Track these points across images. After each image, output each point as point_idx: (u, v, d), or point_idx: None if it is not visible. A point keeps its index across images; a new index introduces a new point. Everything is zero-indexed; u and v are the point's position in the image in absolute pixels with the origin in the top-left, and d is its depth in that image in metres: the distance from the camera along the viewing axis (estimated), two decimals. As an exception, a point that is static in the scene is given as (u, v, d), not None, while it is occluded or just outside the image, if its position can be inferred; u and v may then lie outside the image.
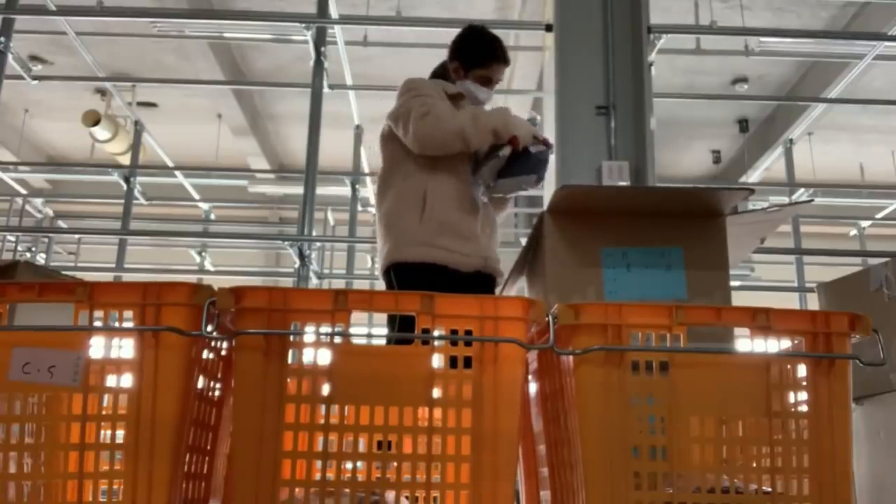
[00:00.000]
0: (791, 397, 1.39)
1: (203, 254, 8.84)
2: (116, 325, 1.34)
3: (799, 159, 7.43)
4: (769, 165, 7.67)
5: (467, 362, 1.34)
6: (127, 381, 1.32)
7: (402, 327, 1.98)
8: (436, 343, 1.34)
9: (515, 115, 2.49)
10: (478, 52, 2.63)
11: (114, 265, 6.80)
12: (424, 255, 2.34)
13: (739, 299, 2.02)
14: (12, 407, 1.32)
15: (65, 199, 9.48)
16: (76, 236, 9.11)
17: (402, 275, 2.36)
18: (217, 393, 1.50)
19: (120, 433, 1.32)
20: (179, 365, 1.32)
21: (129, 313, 1.34)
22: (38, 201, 8.74)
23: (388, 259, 2.40)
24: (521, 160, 2.42)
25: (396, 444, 1.33)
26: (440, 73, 2.72)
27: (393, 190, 2.47)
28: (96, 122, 7.18)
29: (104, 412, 1.32)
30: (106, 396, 1.33)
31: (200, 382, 1.40)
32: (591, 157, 3.73)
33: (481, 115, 2.41)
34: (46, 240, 8.88)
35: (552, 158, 3.78)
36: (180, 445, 1.32)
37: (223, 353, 1.50)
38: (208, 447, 1.48)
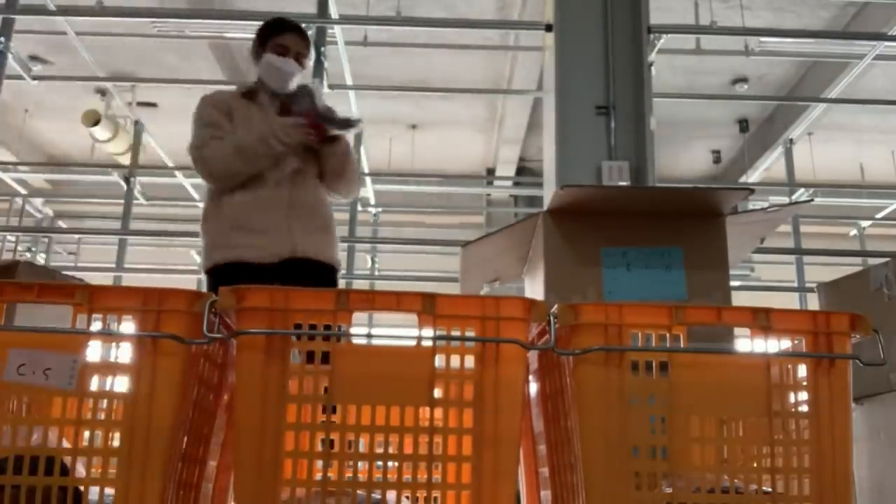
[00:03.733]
0: (791, 397, 1.39)
1: (203, 254, 8.82)
2: (115, 329, 1.33)
3: (799, 159, 7.43)
4: (769, 165, 7.67)
5: (469, 362, 1.34)
6: (123, 386, 1.31)
7: None
8: (437, 343, 1.34)
9: (274, 123, 2.56)
10: (268, 28, 2.73)
11: (114, 265, 6.80)
12: (222, 257, 2.51)
13: (739, 299, 2.03)
14: (5, 408, 1.31)
15: (65, 199, 9.47)
16: (76, 236, 9.11)
17: (212, 278, 2.54)
18: (210, 401, 1.50)
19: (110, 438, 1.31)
20: (177, 372, 1.31)
21: (128, 317, 1.33)
22: (38, 201, 8.74)
23: (203, 268, 2.61)
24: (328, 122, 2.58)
25: (398, 444, 1.33)
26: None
27: (204, 203, 2.68)
28: (96, 122, 7.18)
29: (99, 416, 1.31)
30: (102, 401, 1.32)
31: (195, 391, 1.40)
32: (591, 157, 3.74)
33: (243, 144, 2.52)
34: (46, 240, 8.88)
35: (552, 157, 3.78)
36: (174, 454, 1.31)
37: (219, 360, 1.50)
38: (199, 456, 1.48)
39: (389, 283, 8.00)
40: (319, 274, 2.56)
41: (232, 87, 2.75)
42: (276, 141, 2.52)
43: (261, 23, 2.76)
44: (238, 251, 2.48)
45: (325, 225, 2.64)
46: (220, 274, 2.50)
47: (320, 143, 2.60)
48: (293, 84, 2.67)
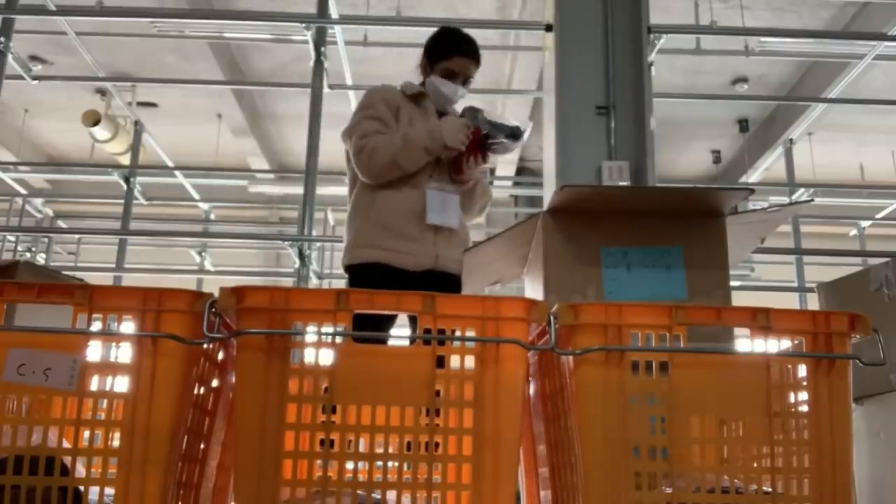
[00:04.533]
0: (791, 397, 1.39)
1: (203, 254, 8.84)
2: (115, 329, 1.33)
3: (799, 159, 7.43)
4: (769, 165, 7.67)
5: (469, 362, 1.35)
6: (123, 386, 1.31)
7: (372, 326, 2.00)
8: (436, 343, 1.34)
9: (444, 120, 2.55)
10: (440, 46, 2.69)
11: (114, 265, 6.80)
12: (370, 256, 2.49)
13: (739, 299, 2.03)
14: (5, 408, 1.31)
15: (65, 199, 9.47)
16: (76, 236, 9.11)
17: (353, 276, 2.53)
18: (210, 401, 1.50)
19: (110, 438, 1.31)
20: (177, 372, 1.31)
21: (128, 316, 1.33)
22: (38, 201, 8.73)
23: (344, 262, 2.58)
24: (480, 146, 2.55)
25: (398, 444, 1.33)
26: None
27: (352, 197, 2.64)
28: (96, 122, 7.18)
29: (99, 416, 1.31)
30: (102, 401, 1.32)
31: (195, 390, 1.40)
32: (591, 157, 3.74)
33: (411, 137, 2.50)
34: (46, 240, 8.87)
35: (553, 157, 3.77)
36: (174, 454, 1.31)
37: (219, 359, 1.50)
38: (199, 456, 1.48)
39: (389, 283, 7.98)
40: (453, 286, 2.55)
41: (396, 85, 2.71)
42: (440, 137, 2.48)
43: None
44: (387, 254, 2.48)
45: (463, 241, 2.63)
46: (363, 272, 2.49)
47: (461, 172, 2.57)
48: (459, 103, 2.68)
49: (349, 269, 2.55)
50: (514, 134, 2.54)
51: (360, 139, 2.53)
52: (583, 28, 3.91)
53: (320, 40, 4.99)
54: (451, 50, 2.66)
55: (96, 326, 1.36)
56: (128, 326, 1.33)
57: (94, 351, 1.32)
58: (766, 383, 1.36)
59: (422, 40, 2.76)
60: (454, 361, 1.36)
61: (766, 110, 7.93)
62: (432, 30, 2.78)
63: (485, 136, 2.54)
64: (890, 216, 8.04)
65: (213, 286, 1.44)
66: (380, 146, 2.49)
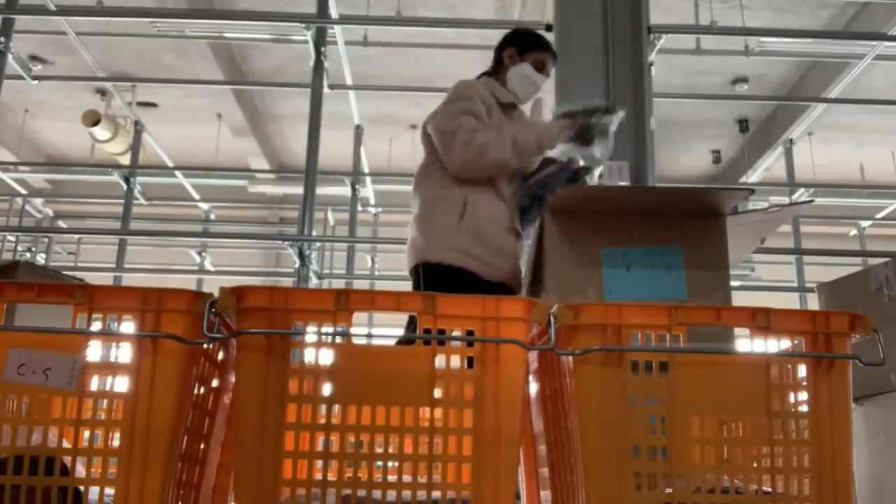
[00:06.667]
0: (791, 397, 1.39)
1: (203, 254, 8.84)
2: (115, 329, 1.33)
3: (799, 159, 7.43)
4: (769, 165, 7.68)
5: (469, 362, 1.35)
6: (123, 386, 1.31)
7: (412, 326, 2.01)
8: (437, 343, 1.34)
9: (550, 124, 2.57)
10: (531, 38, 2.73)
11: (114, 265, 6.80)
12: (458, 261, 2.41)
13: (739, 299, 2.03)
14: (5, 408, 1.31)
15: (65, 199, 9.48)
16: (76, 236, 9.12)
17: (432, 274, 2.43)
18: (210, 401, 1.50)
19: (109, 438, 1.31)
20: (177, 372, 1.31)
21: (128, 317, 1.33)
22: (38, 201, 8.74)
23: (421, 257, 2.47)
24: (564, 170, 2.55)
25: (398, 444, 1.33)
26: (489, 75, 2.74)
27: (432, 189, 2.54)
28: (96, 122, 7.18)
29: (99, 416, 1.31)
30: (102, 401, 1.31)
31: (195, 390, 1.40)
32: (591, 157, 3.73)
33: (520, 139, 2.47)
34: (46, 240, 8.88)
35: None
36: (174, 454, 1.31)
37: (219, 359, 1.50)
38: (199, 456, 1.48)
39: (389, 283, 7.99)
40: None
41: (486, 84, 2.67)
42: (547, 143, 2.51)
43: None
44: (476, 263, 2.41)
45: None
46: (447, 275, 2.41)
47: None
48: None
49: (430, 266, 2.44)
50: (607, 110, 2.55)
51: (466, 133, 2.44)
52: (583, 28, 3.90)
53: (320, 40, 4.99)
54: (543, 44, 2.71)
55: (96, 326, 1.36)
56: (128, 326, 1.33)
57: (94, 351, 1.32)
58: (766, 383, 1.36)
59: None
60: (454, 361, 1.36)
61: (766, 110, 7.93)
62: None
63: (586, 128, 2.54)
64: (890, 216, 8.04)
65: (213, 286, 1.44)
66: (492, 143, 2.43)
